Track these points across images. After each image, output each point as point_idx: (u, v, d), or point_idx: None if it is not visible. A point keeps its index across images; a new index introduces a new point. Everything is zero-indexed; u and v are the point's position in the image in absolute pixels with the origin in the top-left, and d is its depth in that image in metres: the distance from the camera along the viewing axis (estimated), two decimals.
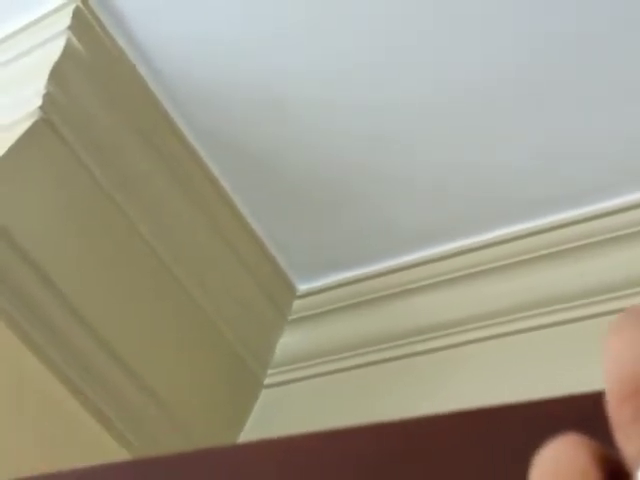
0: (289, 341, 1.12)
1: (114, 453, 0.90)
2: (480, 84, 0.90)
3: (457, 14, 0.86)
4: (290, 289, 1.17)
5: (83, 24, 0.93)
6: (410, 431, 0.23)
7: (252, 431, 1.02)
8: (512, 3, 0.84)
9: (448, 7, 0.86)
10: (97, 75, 0.96)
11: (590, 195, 0.94)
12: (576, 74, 0.86)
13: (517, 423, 0.22)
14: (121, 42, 0.97)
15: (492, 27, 0.86)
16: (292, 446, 0.24)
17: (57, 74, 0.91)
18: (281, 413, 1.03)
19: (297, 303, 1.15)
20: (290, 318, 1.14)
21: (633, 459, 0.17)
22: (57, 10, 0.94)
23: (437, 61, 0.90)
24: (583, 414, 0.19)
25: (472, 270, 1.00)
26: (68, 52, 0.92)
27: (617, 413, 0.17)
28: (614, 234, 0.91)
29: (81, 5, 0.92)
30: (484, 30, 0.86)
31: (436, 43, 0.89)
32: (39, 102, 0.89)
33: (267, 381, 1.09)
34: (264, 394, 1.07)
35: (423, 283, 1.04)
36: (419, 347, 0.99)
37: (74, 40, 0.92)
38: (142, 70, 0.99)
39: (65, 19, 0.92)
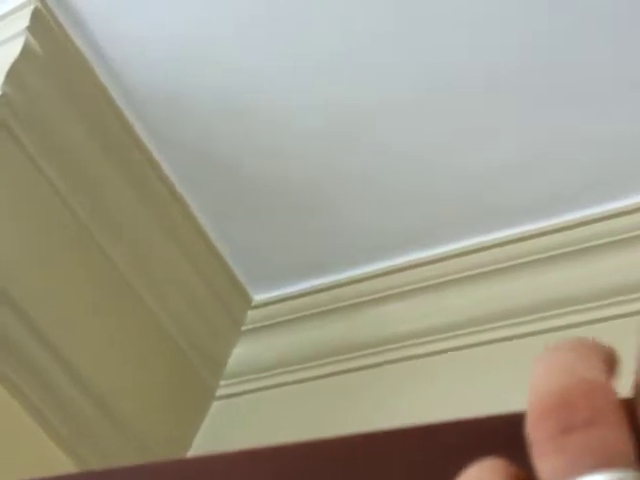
0: (243, 352, 1.11)
1: (62, 465, 0.88)
2: (454, 91, 0.90)
3: (419, 15, 0.86)
4: (245, 299, 1.16)
5: (42, 25, 0.92)
6: (329, 450, 0.23)
7: (203, 442, 1.01)
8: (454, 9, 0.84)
9: (416, 7, 0.86)
10: (55, 77, 0.94)
11: (556, 207, 0.95)
12: (549, 85, 0.87)
13: (443, 443, 0.22)
14: (80, 44, 0.96)
15: (463, 32, 0.86)
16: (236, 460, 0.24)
17: (14, 75, 0.89)
18: (232, 425, 1.02)
19: (252, 313, 1.15)
20: (244, 328, 1.13)
21: (547, 478, 0.17)
22: (15, 10, 0.93)
23: (411, 63, 0.90)
24: (513, 433, 0.19)
25: (435, 280, 1.00)
26: (26, 53, 0.90)
27: (533, 431, 0.18)
28: (579, 246, 0.92)
29: (40, 6, 0.91)
30: (454, 33, 0.87)
31: (411, 44, 0.89)
32: None
33: (219, 392, 1.08)
34: (215, 405, 1.06)
35: (381, 294, 1.04)
36: (376, 359, 0.98)
37: (32, 41, 0.91)
38: (101, 72, 0.98)
39: (24, 20, 0.91)
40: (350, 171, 1.00)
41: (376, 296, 1.04)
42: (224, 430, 1.02)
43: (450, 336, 0.94)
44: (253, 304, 1.15)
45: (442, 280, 0.99)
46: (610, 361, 0.20)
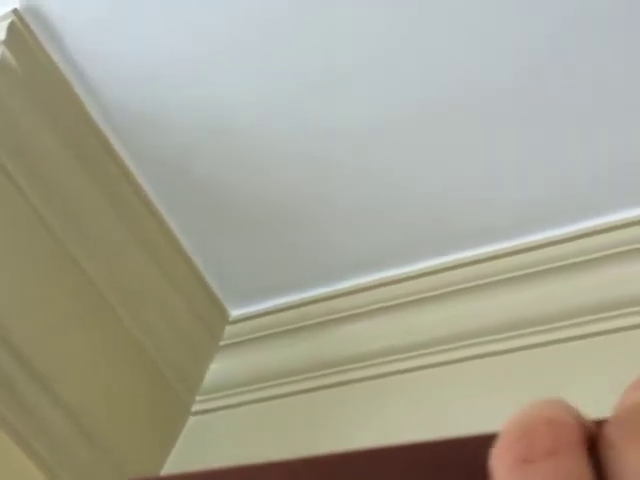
0: (219, 367, 1.10)
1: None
2: (421, 115, 0.91)
3: (400, 49, 0.87)
4: (223, 314, 1.15)
5: (18, 40, 0.92)
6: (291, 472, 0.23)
7: (178, 458, 1.01)
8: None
9: (404, 37, 0.87)
10: (31, 92, 0.94)
11: (522, 227, 0.96)
12: (514, 105, 0.88)
13: (417, 462, 0.22)
14: (57, 59, 0.96)
15: (444, 62, 0.87)
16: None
17: None
18: (208, 441, 1.02)
19: (229, 329, 1.14)
20: (222, 344, 1.13)
21: None
22: None
23: (381, 90, 0.91)
24: (474, 456, 0.19)
25: (407, 299, 1.00)
26: (2, 67, 0.90)
27: (495, 462, 0.18)
28: (545, 267, 0.93)
29: (16, 20, 0.91)
30: (436, 64, 0.87)
31: (381, 76, 0.90)
32: None
33: (195, 408, 1.07)
34: (191, 421, 1.05)
35: (358, 311, 1.04)
36: (352, 375, 0.99)
37: (8, 55, 0.91)
38: (78, 89, 0.98)
39: (0, 34, 0.91)
40: (325, 191, 1.01)
41: (353, 312, 1.04)
42: (199, 446, 1.02)
43: (420, 354, 0.95)
44: (230, 319, 1.15)
45: (413, 298, 1.00)
46: (582, 418, 0.21)
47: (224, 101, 0.97)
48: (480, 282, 0.96)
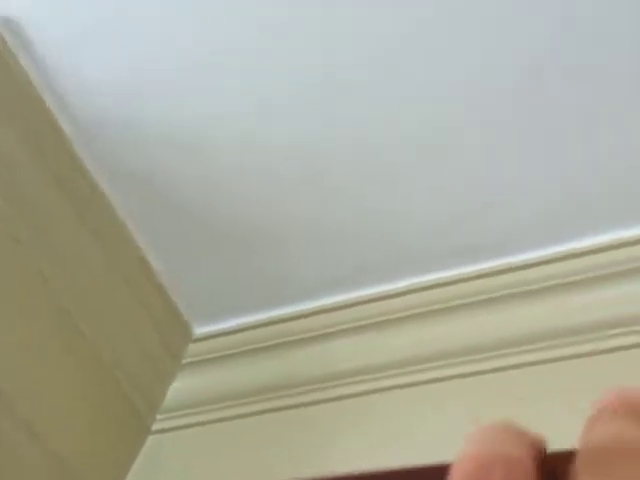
0: (182, 386, 1.09)
1: None
2: (396, 132, 0.92)
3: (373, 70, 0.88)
4: (186, 332, 1.15)
5: None
6: None
7: (136, 477, 0.99)
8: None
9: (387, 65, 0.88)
10: (2, 104, 0.93)
11: (499, 249, 0.97)
12: (492, 122, 0.89)
13: None
14: (30, 71, 0.95)
15: (420, 83, 0.88)
16: None
17: None
18: (167, 460, 1.00)
19: (193, 347, 1.13)
20: (184, 362, 1.12)
21: None
22: None
23: (356, 109, 0.91)
24: None
25: (377, 319, 1.01)
26: None
27: None
28: (515, 290, 0.93)
29: None
30: (414, 87, 0.88)
31: (356, 96, 0.90)
32: None
33: (155, 426, 1.06)
34: (151, 440, 1.04)
35: (325, 331, 1.04)
36: (316, 396, 0.98)
37: None
38: (50, 101, 0.97)
39: None
40: (297, 210, 1.01)
41: (317, 333, 1.04)
42: (158, 465, 1.00)
43: (391, 374, 0.95)
44: (194, 337, 1.14)
45: (384, 318, 1.00)
46: (536, 445, 0.21)
47: (198, 117, 0.97)
48: (453, 304, 0.96)
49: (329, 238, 1.02)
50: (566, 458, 0.19)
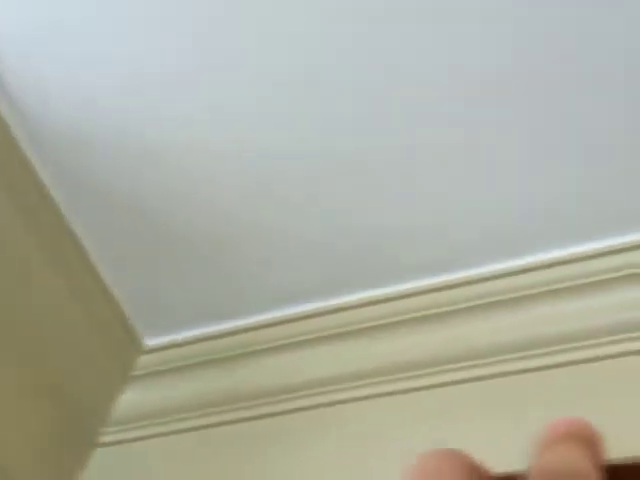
0: (131, 398, 1.08)
1: None
2: (362, 143, 0.92)
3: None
4: (136, 343, 1.13)
5: None
6: None
7: None
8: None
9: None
10: None
11: (460, 262, 0.97)
12: (444, 144, 0.90)
13: None
14: None
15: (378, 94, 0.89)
16: None
17: None
18: (115, 474, 0.99)
19: (143, 358, 1.12)
20: (134, 374, 1.10)
21: None
22: None
23: (320, 120, 0.92)
24: None
25: (332, 331, 1.00)
26: None
27: None
28: (465, 305, 0.94)
29: None
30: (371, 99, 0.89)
31: (323, 105, 0.91)
32: None
33: (102, 439, 1.04)
34: (98, 453, 1.02)
35: (277, 343, 1.03)
36: (268, 409, 0.97)
37: None
38: (4, 111, 0.96)
39: None
40: (253, 220, 1.00)
41: (270, 345, 1.03)
42: (106, 479, 0.99)
43: (346, 387, 0.95)
44: (144, 349, 1.13)
45: (340, 331, 1.00)
46: (478, 471, 0.21)
47: (153, 125, 0.96)
48: (406, 317, 0.97)
49: (287, 249, 1.02)
50: None
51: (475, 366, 0.89)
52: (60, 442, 0.99)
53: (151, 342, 1.13)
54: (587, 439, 0.20)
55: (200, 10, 0.87)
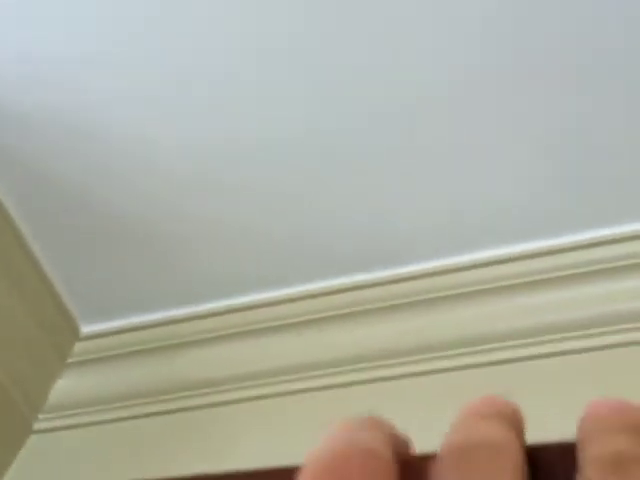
0: (66, 385, 1.07)
1: None
2: (310, 136, 0.93)
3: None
4: (73, 330, 1.12)
5: None
6: None
7: (14, 477, 0.97)
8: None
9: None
10: None
11: (393, 259, 0.98)
12: (387, 143, 0.92)
13: None
14: None
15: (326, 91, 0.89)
16: None
17: None
18: (47, 461, 0.98)
19: (79, 345, 1.11)
20: (70, 361, 1.10)
21: None
22: None
23: (271, 108, 0.92)
24: None
25: (271, 323, 1.01)
26: None
27: None
28: (399, 301, 0.96)
29: None
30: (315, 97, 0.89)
31: (272, 94, 0.91)
32: None
33: (37, 426, 1.03)
34: (32, 440, 1.02)
35: (213, 334, 1.03)
36: (204, 400, 0.98)
37: None
38: None
39: None
40: (195, 211, 1.00)
41: (208, 336, 1.04)
42: (39, 465, 0.98)
43: (289, 379, 0.95)
44: (81, 336, 1.12)
45: (279, 323, 1.00)
46: (399, 441, 0.20)
47: (94, 106, 0.95)
48: (336, 312, 0.98)
49: (227, 239, 1.02)
50: (429, 459, 0.19)
51: (419, 361, 0.90)
52: None
53: (87, 329, 1.13)
54: (509, 417, 0.20)
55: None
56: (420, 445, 0.22)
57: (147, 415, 0.99)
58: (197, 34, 0.88)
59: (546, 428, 0.29)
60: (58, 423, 1.03)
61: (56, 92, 0.94)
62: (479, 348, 0.89)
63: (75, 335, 1.12)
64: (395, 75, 0.85)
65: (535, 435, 0.21)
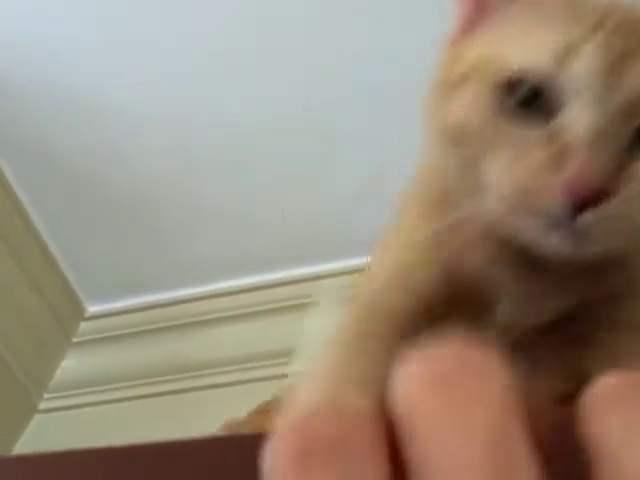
0: (72, 364, 1.07)
1: None
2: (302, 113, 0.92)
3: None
4: (78, 309, 1.12)
5: None
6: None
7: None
8: None
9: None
10: None
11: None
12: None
13: None
14: None
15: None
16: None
17: None
18: (52, 440, 0.98)
19: (84, 325, 1.11)
20: (75, 340, 1.10)
21: None
22: None
23: (263, 89, 0.91)
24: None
25: (275, 305, 1.01)
26: None
27: (276, 451, 0.15)
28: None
29: None
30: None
31: (265, 75, 0.90)
32: None
33: (42, 405, 1.03)
34: (37, 419, 1.02)
35: (219, 315, 1.03)
36: (209, 380, 0.98)
37: None
38: None
39: None
40: (200, 192, 1.00)
41: (213, 316, 1.04)
42: (44, 445, 0.99)
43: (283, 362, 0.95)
44: (86, 315, 1.12)
45: (287, 304, 1.00)
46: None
47: (97, 88, 0.94)
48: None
49: (232, 221, 1.02)
50: None
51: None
52: None
53: (93, 308, 1.12)
54: None
55: None
56: None
57: (152, 395, 0.99)
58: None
59: None
60: (63, 403, 1.03)
61: (60, 71, 0.94)
62: None
63: (80, 315, 1.12)
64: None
65: None
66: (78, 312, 1.12)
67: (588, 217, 0.25)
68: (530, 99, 0.27)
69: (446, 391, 0.16)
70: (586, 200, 0.26)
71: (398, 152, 0.90)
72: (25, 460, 0.26)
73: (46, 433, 1.00)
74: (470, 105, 0.28)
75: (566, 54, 0.26)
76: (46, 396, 1.04)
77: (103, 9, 0.89)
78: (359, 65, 0.86)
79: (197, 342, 1.02)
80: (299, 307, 0.98)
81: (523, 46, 0.27)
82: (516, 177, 0.27)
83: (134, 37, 0.90)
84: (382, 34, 0.83)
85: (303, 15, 0.84)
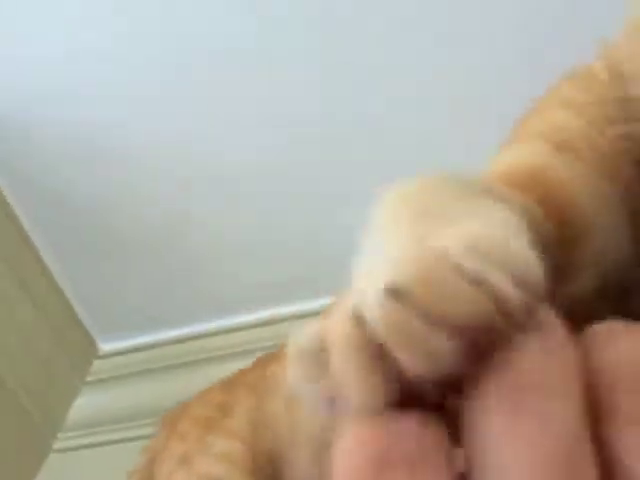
0: (85, 403, 1.07)
1: None
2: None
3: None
4: (91, 347, 1.12)
5: None
6: None
7: None
8: None
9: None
10: None
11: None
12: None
13: None
14: None
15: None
16: None
17: None
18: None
19: (98, 363, 1.11)
20: (89, 379, 1.09)
21: None
22: None
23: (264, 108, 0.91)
24: None
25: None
26: None
27: None
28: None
29: None
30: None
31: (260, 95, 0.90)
32: None
33: (56, 445, 1.03)
34: (52, 459, 1.01)
35: (232, 350, 1.03)
36: None
37: None
38: None
39: None
40: (212, 225, 1.00)
41: (227, 352, 1.03)
42: None
43: None
44: (100, 354, 1.12)
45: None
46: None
47: (100, 118, 0.95)
48: None
49: (247, 253, 1.02)
50: None
51: None
52: (13, 448, 0.98)
53: (106, 347, 1.12)
54: None
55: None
56: None
57: None
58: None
59: None
60: (78, 442, 1.02)
61: (65, 105, 0.94)
62: None
63: (94, 353, 1.12)
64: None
65: None
66: (91, 350, 1.12)
67: None
68: None
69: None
70: None
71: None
72: None
73: (61, 473, 0.99)
74: None
75: None
76: (60, 435, 1.04)
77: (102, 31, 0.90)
78: None
79: (213, 378, 1.01)
80: None
81: None
82: None
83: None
84: None
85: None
